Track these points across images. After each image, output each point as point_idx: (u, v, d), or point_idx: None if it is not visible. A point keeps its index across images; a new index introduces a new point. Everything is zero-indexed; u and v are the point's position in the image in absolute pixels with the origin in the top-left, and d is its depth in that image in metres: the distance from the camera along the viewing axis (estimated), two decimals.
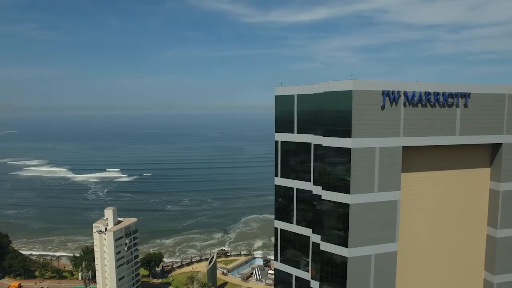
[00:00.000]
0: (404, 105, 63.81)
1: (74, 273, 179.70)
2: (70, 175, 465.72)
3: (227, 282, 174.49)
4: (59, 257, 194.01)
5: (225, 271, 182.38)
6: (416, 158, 67.13)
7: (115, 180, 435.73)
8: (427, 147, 67.12)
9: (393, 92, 62.67)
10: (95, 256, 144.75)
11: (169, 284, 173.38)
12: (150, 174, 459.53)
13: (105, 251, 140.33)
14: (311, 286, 72.48)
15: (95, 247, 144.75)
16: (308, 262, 73.70)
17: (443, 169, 68.94)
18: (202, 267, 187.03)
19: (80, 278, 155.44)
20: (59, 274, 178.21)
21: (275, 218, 79.44)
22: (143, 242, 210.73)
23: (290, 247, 77.37)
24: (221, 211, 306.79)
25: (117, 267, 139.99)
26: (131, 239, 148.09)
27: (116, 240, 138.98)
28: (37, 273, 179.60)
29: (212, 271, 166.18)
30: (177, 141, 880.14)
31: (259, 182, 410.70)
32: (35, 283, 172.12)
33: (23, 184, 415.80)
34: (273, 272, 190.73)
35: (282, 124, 75.61)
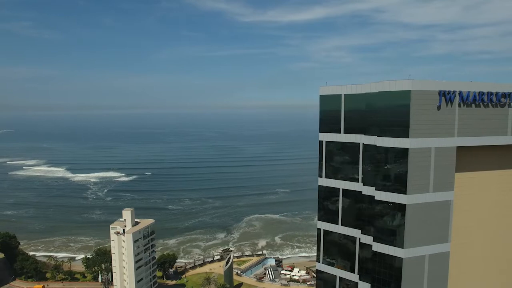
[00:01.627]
0: (459, 105, 63.65)
1: (86, 274, 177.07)
2: (69, 174, 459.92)
3: (242, 283, 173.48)
4: (70, 259, 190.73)
5: (239, 272, 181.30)
6: (468, 158, 66.95)
7: (114, 179, 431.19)
8: (479, 147, 67.03)
9: (449, 92, 62.46)
10: (113, 258, 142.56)
11: (183, 285, 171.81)
12: (149, 174, 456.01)
13: (123, 253, 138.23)
14: (358, 287, 72.07)
15: (112, 248, 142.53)
16: (355, 263, 73.29)
17: (494, 169, 68.94)
18: (215, 267, 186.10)
19: (100, 281, 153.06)
20: (71, 276, 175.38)
21: (318, 219, 78.79)
22: None
23: (335, 248, 76.75)
24: (222, 210, 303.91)
25: (136, 269, 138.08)
26: (148, 240, 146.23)
27: (135, 241, 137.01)
28: (48, 274, 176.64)
29: (229, 272, 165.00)
30: (175, 140, 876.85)
31: (259, 181, 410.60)
32: (47, 285, 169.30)
33: (22, 184, 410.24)
34: (285, 272, 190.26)
35: (328, 124, 74.90)
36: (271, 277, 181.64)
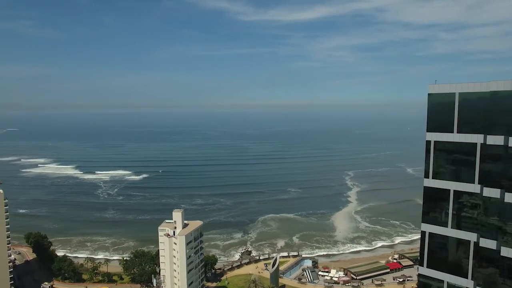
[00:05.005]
0: None
1: (123, 276, 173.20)
2: (79, 173, 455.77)
3: (285, 285, 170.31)
4: (107, 261, 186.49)
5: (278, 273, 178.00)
6: None
7: (124, 178, 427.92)
8: None
9: None
10: (161, 261, 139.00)
11: (225, 287, 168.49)
12: (159, 172, 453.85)
13: (174, 256, 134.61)
14: None
15: (161, 251, 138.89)
16: (467, 267, 70.68)
17: None
18: (260, 270, 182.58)
19: (154, 284, 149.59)
20: (108, 278, 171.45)
21: (423, 221, 76.14)
22: None
23: (443, 252, 74.11)
24: (236, 210, 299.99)
25: (188, 272, 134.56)
26: (198, 242, 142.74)
27: (187, 244, 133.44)
28: (85, 276, 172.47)
29: (275, 274, 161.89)
30: (180, 139, 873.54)
31: (269, 179, 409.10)
32: (86, 287, 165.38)
33: (33, 182, 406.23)
34: (323, 274, 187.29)
35: (438, 123, 72.35)
36: (309, 279, 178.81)
